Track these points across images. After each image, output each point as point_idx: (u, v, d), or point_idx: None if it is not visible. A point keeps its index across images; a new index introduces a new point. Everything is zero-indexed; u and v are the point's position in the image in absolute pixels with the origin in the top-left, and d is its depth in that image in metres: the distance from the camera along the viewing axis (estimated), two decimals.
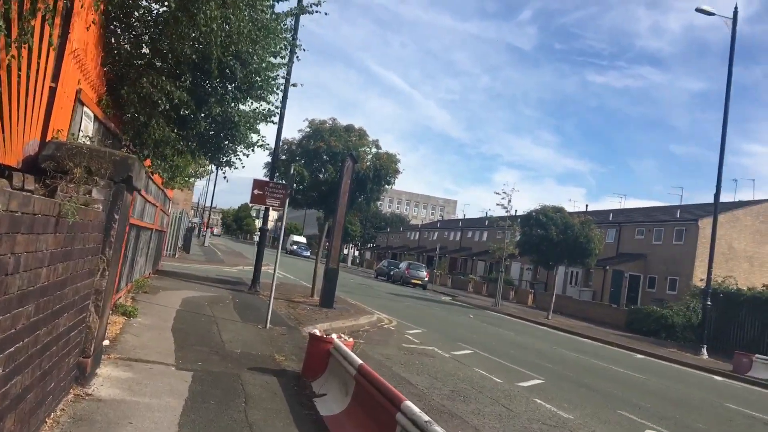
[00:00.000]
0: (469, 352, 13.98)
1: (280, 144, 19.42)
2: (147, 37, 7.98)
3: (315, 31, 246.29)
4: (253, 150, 9.67)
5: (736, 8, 22.75)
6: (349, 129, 19.44)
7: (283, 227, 12.72)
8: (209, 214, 77.30)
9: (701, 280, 37.33)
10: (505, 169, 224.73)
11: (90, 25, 6.65)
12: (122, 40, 7.88)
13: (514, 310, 32.49)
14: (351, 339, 8.20)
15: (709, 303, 23.18)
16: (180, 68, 7.91)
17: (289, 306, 16.36)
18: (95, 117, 7.33)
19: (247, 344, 9.98)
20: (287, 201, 12.94)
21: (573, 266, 31.18)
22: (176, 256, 31.56)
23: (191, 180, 20.20)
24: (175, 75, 7.91)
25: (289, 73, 13.23)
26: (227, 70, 8.36)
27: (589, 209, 55.58)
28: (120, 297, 11.56)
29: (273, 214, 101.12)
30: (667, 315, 28.58)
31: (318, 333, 7.84)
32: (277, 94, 9.57)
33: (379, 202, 21.33)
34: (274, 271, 12.70)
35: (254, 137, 9.49)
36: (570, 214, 29.14)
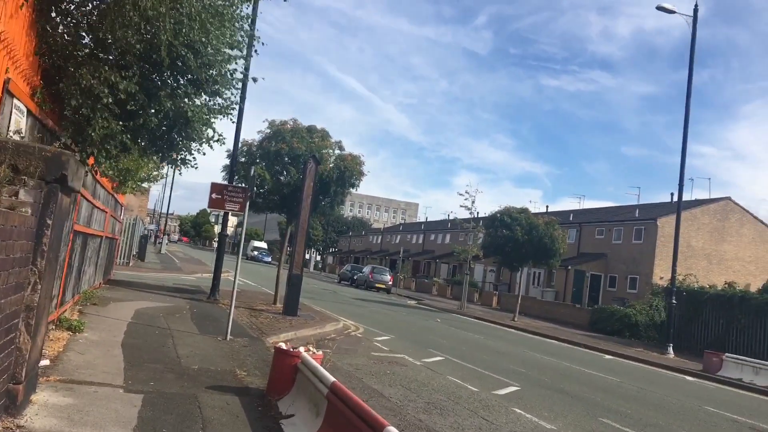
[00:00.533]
0: (441, 358, 13.45)
1: (239, 146, 18.61)
2: (86, 25, 7.21)
3: (272, 35, 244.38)
4: (210, 146, 8.92)
5: (696, 6, 22.93)
6: (311, 130, 18.76)
7: (244, 232, 11.98)
8: (166, 221, 75.31)
9: (661, 278, 37.83)
10: (464, 173, 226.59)
11: (21, 5, 5.88)
12: (59, 27, 7.10)
13: (480, 312, 32.20)
14: (320, 352, 7.54)
15: (674, 301, 23.22)
16: (126, 59, 7.15)
17: (251, 315, 15.58)
18: (29, 111, 6.53)
19: (206, 359, 9.22)
20: (248, 205, 12.20)
21: (538, 267, 31.08)
22: (130, 264, 30.29)
23: (144, 184, 19.21)
24: (120, 66, 7.15)
25: (247, 68, 12.55)
26: (179, 62, 7.64)
27: (549, 210, 56.00)
28: (65, 310, 10.66)
29: (233, 220, 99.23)
30: (630, 314, 28.66)
31: (284, 346, 7.16)
32: (236, 89, 8.87)
33: (342, 206, 20.61)
34: (235, 278, 11.94)
35: (210, 132, 8.76)
36: (534, 215, 29.00)
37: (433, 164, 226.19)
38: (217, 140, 9.13)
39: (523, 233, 27.19)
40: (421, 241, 69.80)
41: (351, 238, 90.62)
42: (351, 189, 18.84)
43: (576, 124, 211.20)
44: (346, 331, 16.23)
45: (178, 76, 7.97)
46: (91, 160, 7.97)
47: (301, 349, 7.07)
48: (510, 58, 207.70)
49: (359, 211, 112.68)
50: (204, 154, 8.93)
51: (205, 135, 8.79)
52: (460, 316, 28.93)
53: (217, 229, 44.93)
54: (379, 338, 15.66)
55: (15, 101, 6.13)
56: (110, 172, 14.91)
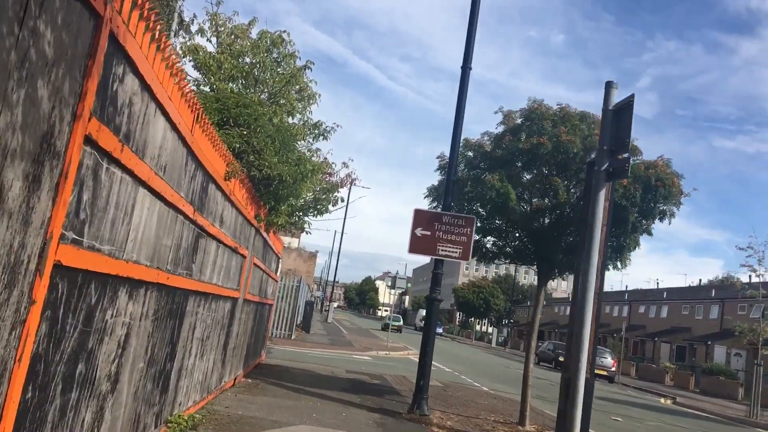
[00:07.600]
0: None
1: (459, 147, 10.97)
2: None
3: (431, 108, 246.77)
4: None
5: None
6: (584, 117, 10.70)
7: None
8: (333, 288, 70.54)
9: None
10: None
11: None
12: None
13: None
14: None
15: None
16: None
17: None
18: None
19: None
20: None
21: None
22: (293, 337, 23.85)
23: (308, 217, 12.01)
24: None
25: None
26: None
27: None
28: None
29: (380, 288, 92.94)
30: None
31: None
32: None
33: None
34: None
35: None
36: None
37: None
38: None
39: None
40: (625, 314, 57.80)
41: (528, 308, 79.95)
42: (663, 219, 10.33)
43: (758, 187, 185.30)
44: None
45: None
46: None
47: None
48: (678, 120, 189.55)
49: (534, 278, 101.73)
50: None
51: None
52: None
53: (384, 297, 38.12)
54: None
55: None
56: (253, 171, 7.93)
